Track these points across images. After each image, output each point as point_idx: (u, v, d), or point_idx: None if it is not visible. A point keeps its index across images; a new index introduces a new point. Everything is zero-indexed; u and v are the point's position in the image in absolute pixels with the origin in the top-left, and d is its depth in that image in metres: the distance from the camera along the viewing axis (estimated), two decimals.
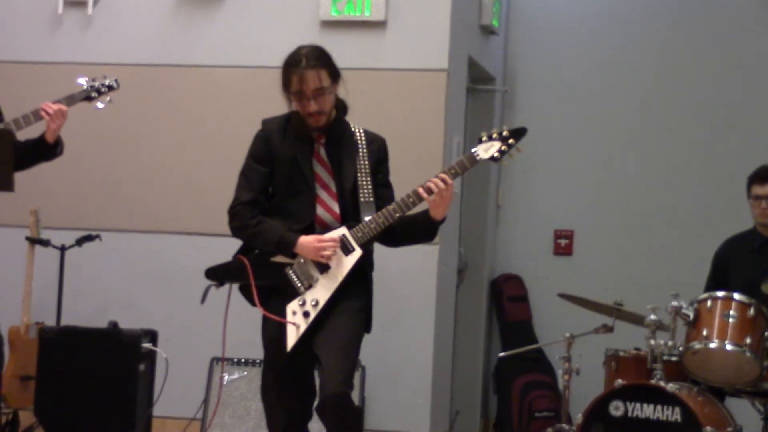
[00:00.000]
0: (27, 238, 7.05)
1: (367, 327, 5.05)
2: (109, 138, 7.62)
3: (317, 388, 4.99)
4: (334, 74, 4.98)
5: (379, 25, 7.33)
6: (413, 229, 5.04)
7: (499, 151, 4.92)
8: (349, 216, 4.98)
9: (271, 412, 5.11)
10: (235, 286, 5.06)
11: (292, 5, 7.43)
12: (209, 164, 7.43)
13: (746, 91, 8.43)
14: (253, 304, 4.95)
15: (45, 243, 7.08)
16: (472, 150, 4.94)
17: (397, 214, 4.90)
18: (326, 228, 4.96)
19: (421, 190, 4.87)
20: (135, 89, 7.37)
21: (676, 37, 8.56)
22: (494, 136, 4.94)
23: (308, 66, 4.90)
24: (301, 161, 4.98)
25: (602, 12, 8.70)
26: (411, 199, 4.89)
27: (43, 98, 6.31)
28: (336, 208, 4.99)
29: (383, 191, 5.07)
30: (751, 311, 6.01)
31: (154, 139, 7.60)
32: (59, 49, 7.67)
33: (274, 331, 4.96)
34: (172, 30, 7.61)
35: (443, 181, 4.85)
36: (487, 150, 4.93)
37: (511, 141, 4.93)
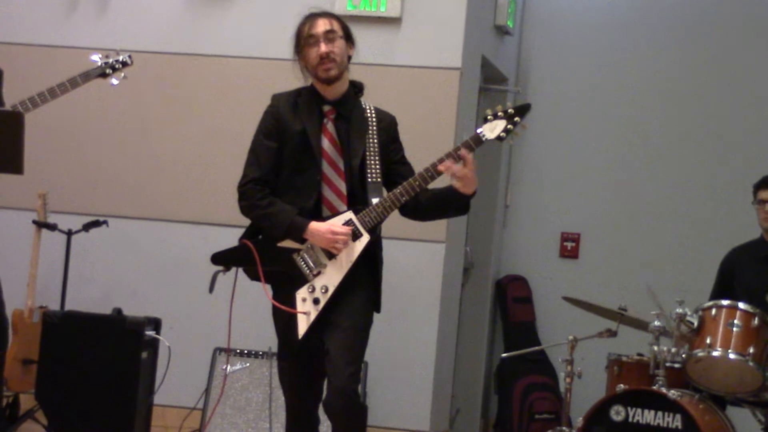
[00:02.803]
0: (34, 222, 7.05)
1: (376, 307, 5.04)
2: (119, 124, 7.63)
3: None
4: (347, 32, 5.04)
5: (393, 21, 7.33)
6: (445, 205, 5.02)
7: (505, 130, 4.87)
8: (357, 196, 4.95)
9: (287, 394, 5.14)
10: (242, 273, 5.04)
11: None
12: (218, 154, 7.43)
13: (757, 99, 8.42)
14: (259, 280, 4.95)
15: (52, 227, 7.08)
16: (478, 130, 4.90)
17: (404, 198, 4.87)
18: (331, 207, 4.93)
19: (426, 175, 4.86)
20: (147, 76, 7.38)
21: (690, 40, 8.57)
22: (499, 114, 4.89)
23: (319, 15, 5.04)
24: (310, 136, 4.95)
25: (616, 16, 8.70)
26: (417, 183, 4.86)
27: (57, 81, 6.34)
28: (342, 186, 4.94)
29: (401, 168, 5.04)
30: (756, 321, 6.01)
31: (165, 127, 7.61)
32: (74, 34, 7.67)
33: (284, 319, 4.96)
34: (186, 19, 7.62)
35: (460, 159, 4.82)
36: (492, 130, 4.88)
37: (516, 119, 4.88)
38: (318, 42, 4.96)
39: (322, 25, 4.99)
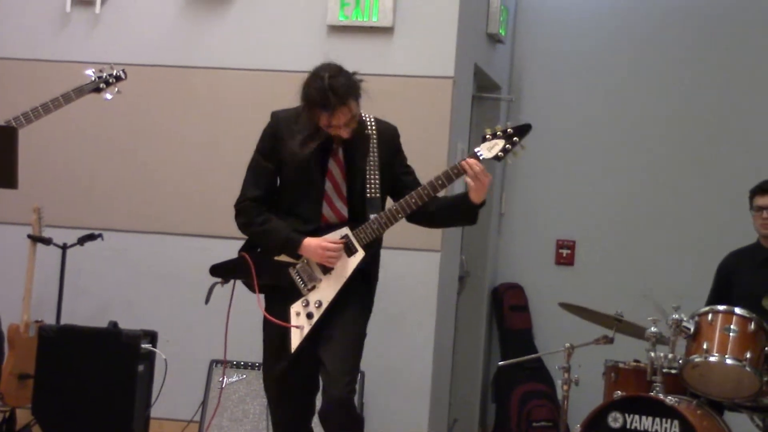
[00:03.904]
0: (29, 236, 7.04)
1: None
2: (113, 137, 7.62)
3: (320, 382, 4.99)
4: (359, 95, 4.86)
5: (386, 31, 7.33)
6: (453, 214, 5.04)
7: (503, 149, 4.87)
8: (357, 212, 4.95)
9: (274, 410, 5.12)
10: (241, 284, 5.05)
11: (299, 9, 7.44)
12: (213, 166, 7.43)
13: (754, 104, 8.43)
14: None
15: (47, 241, 7.08)
16: (476, 150, 4.90)
17: (401, 215, 4.88)
18: (331, 227, 4.94)
19: (422, 193, 4.86)
20: (141, 89, 7.37)
21: (684, 47, 8.57)
22: (498, 133, 4.89)
23: (338, 104, 4.77)
24: (311, 158, 4.92)
25: (609, 23, 8.70)
26: (413, 200, 4.87)
27: (50, 95, 6.34)
28: (344, 211, 4.95)
29: (407, 179, 5.04)
30: (752, 326, 6.00)
31: (159, 140, 7.60)
32: (66, 48, 7.67)
33: (275, 331, 4.96)
34: (179, 31, 7.61)
35: (474, 167, 4.81)
36: (490, 149, 4.88)
37: (515, 139, 4.87)
38: (338, 128, 4.84)
39: (343, 118, 4.81)
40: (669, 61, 8.57)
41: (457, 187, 5.90)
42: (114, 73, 6.55)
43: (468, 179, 4.84)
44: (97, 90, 6.50)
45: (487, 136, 4.90)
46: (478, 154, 4.87)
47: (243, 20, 7.53)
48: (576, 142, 8.68)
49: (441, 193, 4.96)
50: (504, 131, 4.88)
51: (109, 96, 6.54)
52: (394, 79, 7.30)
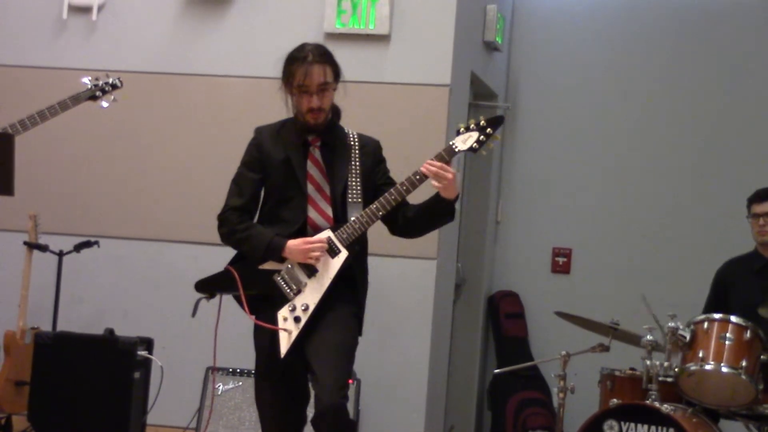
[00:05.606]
0: (25, 243, 7.04)
1: (358, 329, 5.05)
2: (109, 144, 7.63)
3: (311, 393, 4.99)
4: (337, 73, 5.02)
5: (382, 39, 7.34)
6: (431, 214, 5.03)
7: (477, 141, 4.92)
8: (340, 219, 4.98)
9: (265, 419, 5.12)
10: (230, 296, 5.05)
11: (296, 17, 7.45)
12: (209, 173, 7.43)
13: (752, 113, 8.43)
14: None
15: (43, 248, 7.08)
16: (451, 143, 4.95)
17: (381, 213, 4.91)
18: (316, 228, 4.96)
19: (401, 189, 4.90)
20: (137, 96, 7.38)
21: (678, 55, 8.58)
22: (472, 126, 4.94)
23: (314, 61, 4.93)
24: (294, 164, 4.98)
25: (604, 30, 8.71)
26: (393, 197, 4.90)
27: (46, 102, 6.35)
28: (329, 211, 4.98)
29: (388, 188, 5.04)
30: (748, 334, 6.00)
31: (155, 147, 7.60)
32: (63, 55, 7.68)
33: (265, 339, 4.97)
34: (176, 38, 7.62)
35: (430, 168, 4.85)
36: (465, 141, 4.93)
37: (488, 130, 4.93)
38: (310, 93, 4.95)
39: (317, 77, 4.93)
40: (667, 70, 8.57)
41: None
42: (110, 81, 6.57)
43: (433, 182, 4.88)
44: (94, 98, 6.52)
45: (461, 130, 4.96)
46: (454, 146, 4.93)
47: (240, 28, 7.54)
48: (572, 150, 8.69)
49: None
50: (477, 123, 4.95)
51: (105, 104, 6.56)
52: (391, 86, 7.31)
